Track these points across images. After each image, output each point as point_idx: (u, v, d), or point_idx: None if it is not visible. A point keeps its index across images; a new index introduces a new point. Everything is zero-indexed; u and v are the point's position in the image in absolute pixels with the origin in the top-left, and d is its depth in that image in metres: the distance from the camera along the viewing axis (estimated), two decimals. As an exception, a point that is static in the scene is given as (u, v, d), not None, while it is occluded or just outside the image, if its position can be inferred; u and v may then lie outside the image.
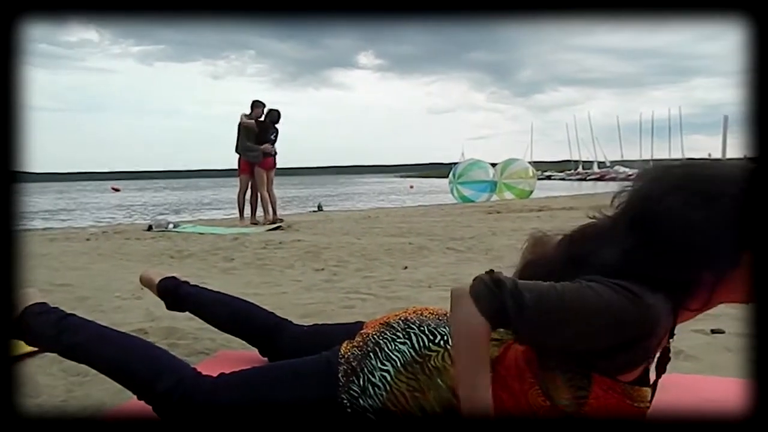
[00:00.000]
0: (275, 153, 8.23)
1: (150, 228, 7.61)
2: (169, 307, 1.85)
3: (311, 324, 1.70)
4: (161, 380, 1.25)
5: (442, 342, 1.22)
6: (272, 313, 1.75)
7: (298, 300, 2.93)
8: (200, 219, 11.10)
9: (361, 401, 1.19)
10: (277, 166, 8.47)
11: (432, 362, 1.19)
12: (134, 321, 2.50)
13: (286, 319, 1.70)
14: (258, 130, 8.07)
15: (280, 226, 7.54)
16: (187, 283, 1.87)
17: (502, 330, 1.26)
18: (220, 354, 1.97)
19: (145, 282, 1.92)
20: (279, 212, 8.70)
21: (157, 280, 1.86)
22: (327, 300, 2.91)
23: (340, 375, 1.22)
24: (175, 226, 7.82)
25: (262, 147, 8.01)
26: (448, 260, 4.21)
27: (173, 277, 1.87)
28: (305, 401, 1.23)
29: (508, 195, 16.63)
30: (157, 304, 2.80)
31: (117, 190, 41.24)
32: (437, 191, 25.05)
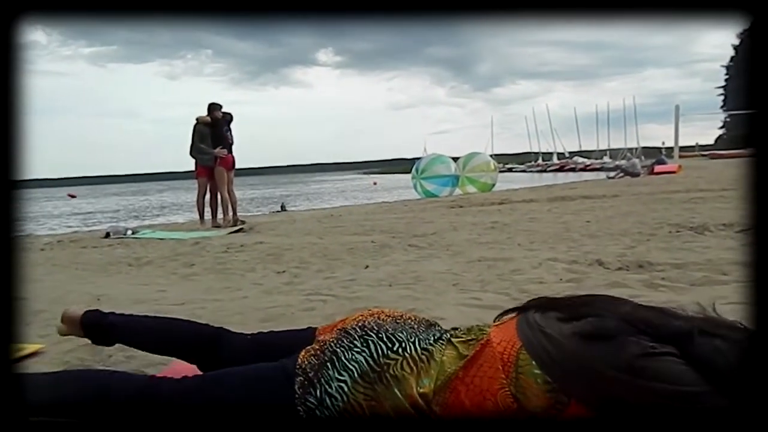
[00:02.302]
0: (230, 153, 8.12)
1: (107, 235, 7.44)
2: (96, 341, 1.74)
3: (255, 333, 1.67)
4: (111, 392, 1.28)
5: (400, 350, 1.23)
6: (206, 324, 1.70)
7: (258, 304, 2.92)
8: (160, 224, 10.90)
9: (317, 412, 1.20)
10: (237, 166, 8.39)
11: (391, 371, 1.20)
12: (90, 333, 2.45)
13: (222, 328, 1.66)
14: (212, 129, 7.97)
15: (241, 228, 7.47)
16: (112, 313, 1.76)
17: (475, 328, 1.29)
18: (177, 363, 1.96)
19: (68, 321, 1.77)
20: (241, 214, 8.62)
21: (79, 314, 1.75)
22: (287, 303, 2.91)
23: (296, 387, 1.22)
24: (133, 233, 7.67)
25: (215, 151, 7.91)
26: (409, 258, 4.25)
27: (96, 310, 1.77)
28: (260, 408, 1.24)
29: (470, 189, 16.79)
30: (114, 315, 2.75)
31: (73, 196, 40.08)
32: (401, 187, 25.13)
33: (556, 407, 1.11)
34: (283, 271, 3.95)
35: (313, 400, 1.21)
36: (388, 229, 6.43)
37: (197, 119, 8.05)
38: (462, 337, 1.27)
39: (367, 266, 3.95)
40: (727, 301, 2.40)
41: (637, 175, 18.80)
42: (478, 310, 2.56)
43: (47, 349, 2.24)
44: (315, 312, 2.70)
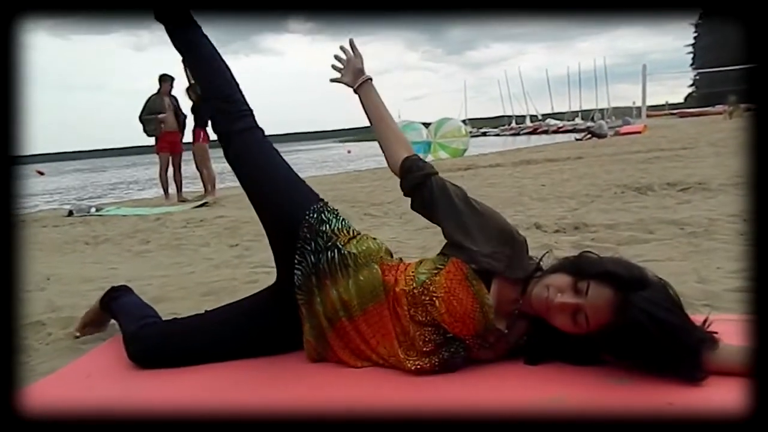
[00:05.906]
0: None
1: (71, 213, 7.40)
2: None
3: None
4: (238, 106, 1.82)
5: (375, 240, 1.68)
6: None
7: (203, 279, 3.00)
8: (128, 200, 10.82)
9: (320, 228, 1.61)
10: (210, 138, 8.36)
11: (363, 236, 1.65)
12: (34, 313, 2.51)
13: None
14: (198, 115, 7.90)
15: (206, 203, 7.48)
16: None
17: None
18: (117, 337, 2.04)
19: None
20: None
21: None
22: (233, 276, 2.99)
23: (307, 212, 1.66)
24: (97, 210, 7.64)
25: (161, 124, 7.86)
26: (362, 227, 4.28)
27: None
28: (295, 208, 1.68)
29: (442, 154, 16.86)
30: (59, 295, 2.82)
31: (41, 173, 39.25)
32: (376, 155, 25.10)
33: (437, 267, 1.45)
34: (236, 245, 4.02)
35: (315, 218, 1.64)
36: (349, 199, 6.51)
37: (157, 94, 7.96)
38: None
39: (319, 237, 4.03)
40: (643, 259, 2.56)
41: (603, 136, 19.05)
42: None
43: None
44: (257, 284, 2.78)
